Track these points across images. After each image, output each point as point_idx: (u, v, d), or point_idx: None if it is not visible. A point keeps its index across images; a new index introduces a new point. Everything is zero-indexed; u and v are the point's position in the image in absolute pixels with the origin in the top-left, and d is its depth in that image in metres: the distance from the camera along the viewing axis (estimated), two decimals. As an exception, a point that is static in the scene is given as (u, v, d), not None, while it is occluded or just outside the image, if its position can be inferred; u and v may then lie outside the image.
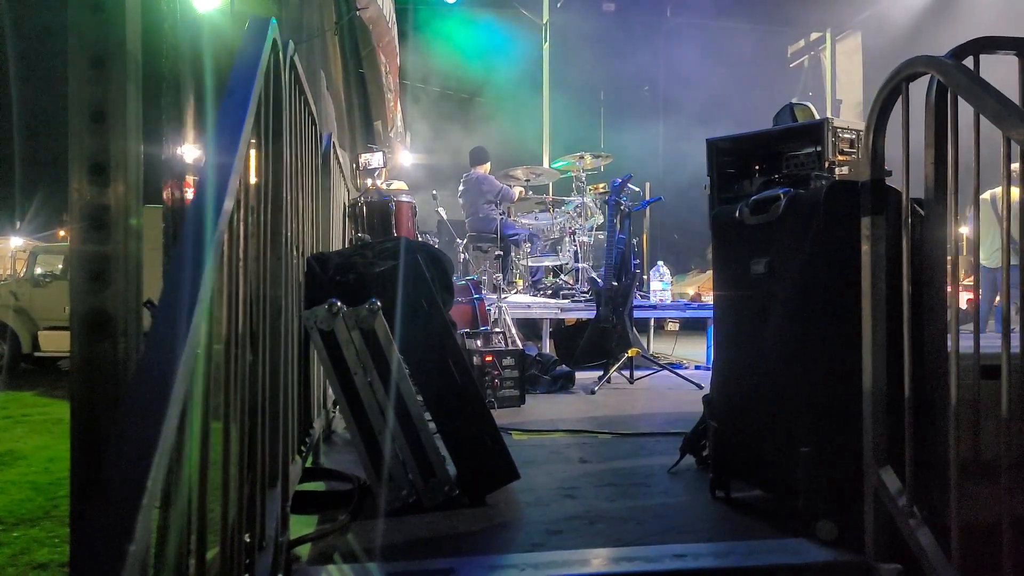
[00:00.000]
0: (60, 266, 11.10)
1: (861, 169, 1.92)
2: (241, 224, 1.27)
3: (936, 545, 1.65)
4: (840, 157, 3.24)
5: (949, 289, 1.74)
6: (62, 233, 20.90)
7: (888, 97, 1.78)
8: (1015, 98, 1.54)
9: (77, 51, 1.24)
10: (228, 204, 1.08)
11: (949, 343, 1.69)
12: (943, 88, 1.67)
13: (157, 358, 0.68)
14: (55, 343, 10.54)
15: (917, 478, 1.75)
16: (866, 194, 1.84)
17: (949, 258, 1.72)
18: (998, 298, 7.18)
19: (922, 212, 1.88)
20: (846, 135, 3.25)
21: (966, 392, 1.73)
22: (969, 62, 1.68)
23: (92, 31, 1.21)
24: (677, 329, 7.62)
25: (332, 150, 3.34)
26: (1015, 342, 1.70)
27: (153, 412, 0.63)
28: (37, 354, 10.60)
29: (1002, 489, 1.50)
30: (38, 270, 11.03)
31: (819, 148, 3.28)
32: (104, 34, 1.20)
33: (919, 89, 1.75)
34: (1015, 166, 1.50)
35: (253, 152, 1.49)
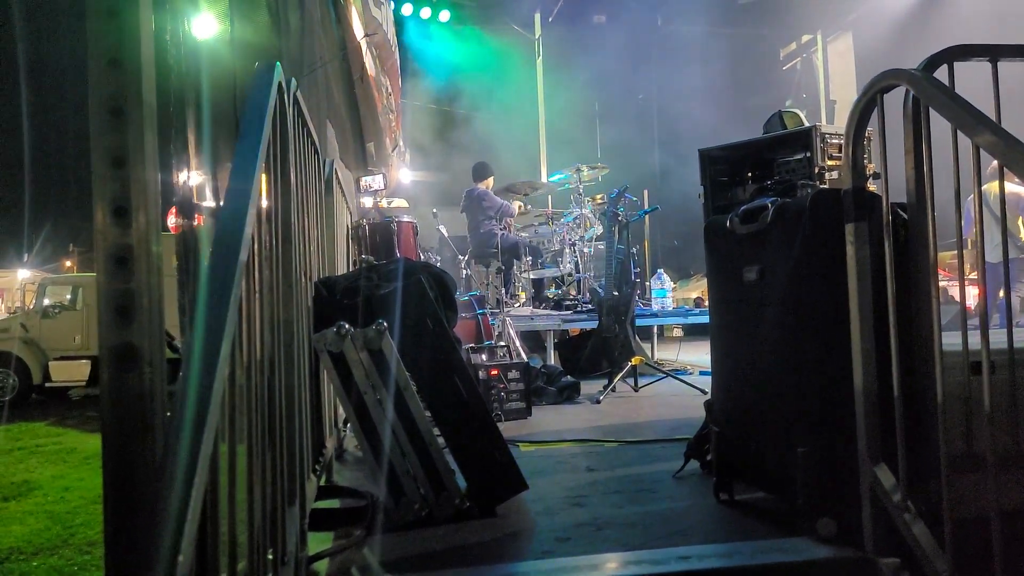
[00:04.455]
0: (68, 296, 11.20)
1: (844, 176, 2.00)
2: (256, 256, 1.35)
3: (930, 537, 1.71)
4: (830, 162, 3.32)
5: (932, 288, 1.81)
6: (68, 264, 21.04)
7: (865, 109, 1.86)
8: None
9: (97, 102, 1.33)
10: (248, 231, 1.17)
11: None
12: (917, 97, 1.75)
13: (194, 387, 0.76)
14: (65, 373, 10.64)
15: (912, 474, 1.81)
16: (848, 201, 1.92)
17: (931, 257, 1.79)
18: (1001, 292, 7.25)
19: (905, 216, 1.96)
20: (834, 140, 3.33)
21: (957, 389, 1.80)
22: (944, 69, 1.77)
23: (111, 84, 1.30)
24: (681, 335, 7.67)
25: (335, 176, 3.44)
26: (1002, 338, 1.77)
27: (193, 436, 0.70)
28: (48, 384, 10.69)
29: (988, 480, 1.56)
30: (47, 301, 11.13)
31: (809, 154, 3.36)
32: (122, 87, 1.29)
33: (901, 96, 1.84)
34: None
35: (264, 186, 1.58)
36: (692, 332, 8.29)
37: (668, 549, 2.05)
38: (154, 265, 1.39)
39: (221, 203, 1.27)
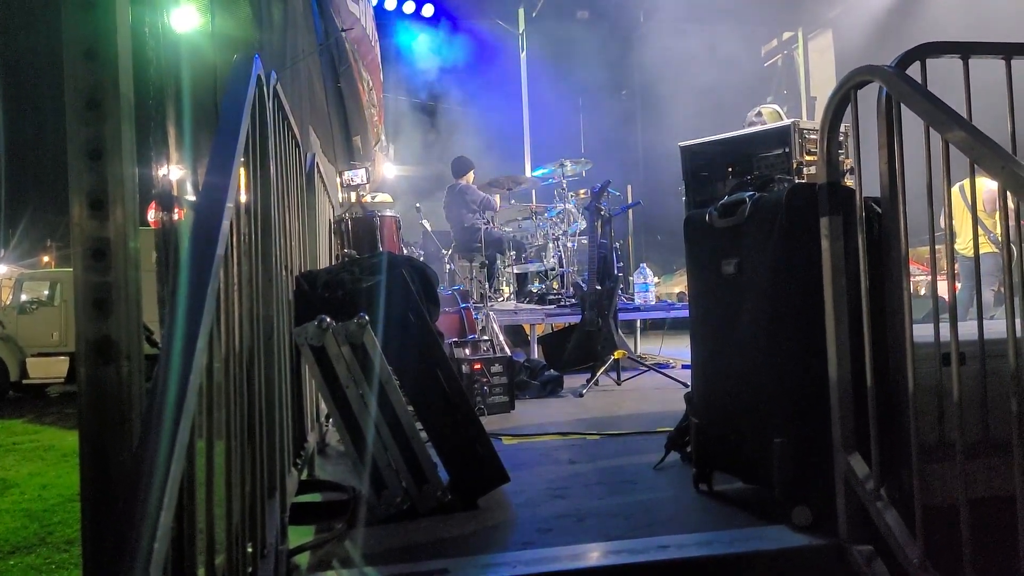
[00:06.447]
0: (46, 292, 11.09)
1: (819, 171, 2.03)
2: (235, 250, 1.35)
3: (902, 525, 1.75)
4: (808, 157, 3.36)
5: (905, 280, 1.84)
6: (46, 259, 20.80)
7: (839, 104, 1.89)
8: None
9: (73, 94, 1.32)
10: (225, 224, 1.17)
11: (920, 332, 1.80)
12: (890, 94, 1.78)
13: (170, 381, 0.77)
14: (43, 370, 10.54)
15: (885, 463, 1.85)
16: (823, 196, 1.95)
17: (902, 250, 1.82)
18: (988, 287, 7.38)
19: (879, 209, 1.99)
20: (812, 136, 3.36)
21: (929, 379, 1.83)
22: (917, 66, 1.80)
23: (87, 76, 1.29)
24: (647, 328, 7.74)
25: (316, 169, 3.43)
26: (972, 330, 1.81)
27: (170, 424, 0.71)
28: (25, 381, 10.58)
29: (957, 468, 1.60)
30: (24, 297, 11.01)
31: (787, 150, 3.39)
32: (98, 79, 1.29)
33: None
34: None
35: (243, 178, 1.58)
36: (675, 326, 8.35)
37: (648, 539, 2.07)
38: (132, 258, 1.39)
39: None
